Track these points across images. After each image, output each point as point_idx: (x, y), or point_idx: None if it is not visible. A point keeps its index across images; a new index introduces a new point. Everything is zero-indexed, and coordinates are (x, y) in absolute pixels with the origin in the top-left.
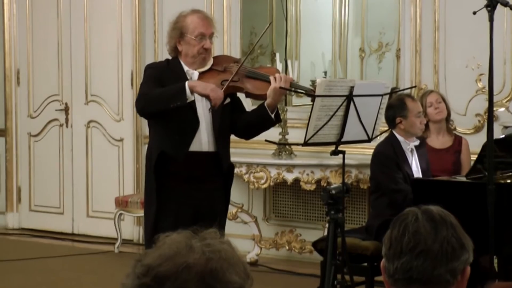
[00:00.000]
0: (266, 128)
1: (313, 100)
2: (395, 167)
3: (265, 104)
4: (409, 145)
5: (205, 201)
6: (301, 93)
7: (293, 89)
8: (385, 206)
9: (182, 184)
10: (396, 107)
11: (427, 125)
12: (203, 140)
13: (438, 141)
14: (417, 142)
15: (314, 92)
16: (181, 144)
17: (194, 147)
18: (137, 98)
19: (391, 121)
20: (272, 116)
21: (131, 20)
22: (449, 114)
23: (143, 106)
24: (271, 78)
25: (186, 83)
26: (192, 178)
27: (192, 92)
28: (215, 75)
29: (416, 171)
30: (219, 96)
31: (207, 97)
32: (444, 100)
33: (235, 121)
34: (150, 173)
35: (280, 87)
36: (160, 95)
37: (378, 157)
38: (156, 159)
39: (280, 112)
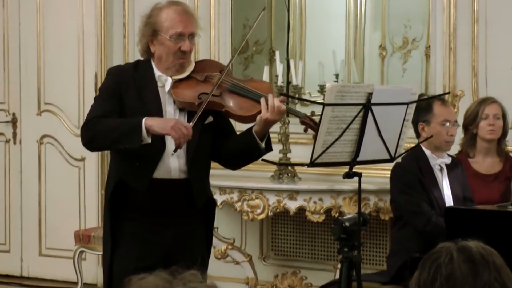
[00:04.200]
0: (254, 158)
1: (306, 130)
2: (417, 186)
3: (253, 130)
4: (436, 160)
5: (176, 240)
6: (306, 100)
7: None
8: (408, 239)
9: (146, 218)
10: (421, 109)
11: (474, 141)
12: (172, 166)
13: (485, 163)
14: (448, 160)
15: (312, 120)
16: (143, 170)
17: (160, 173)
18: (84, 123)
19: (416, 128)
20: (262, 144)
21: (95, 10)
22: (504, 135)
23: (90, 140)
24: (262, 103)
25: (143, 120)
26: (158, 212)
27: (148, 132)
28: (192, 85)
29: (448, 195)
30: (184, 133)
31: (169, 136)
32: (504, 116)
33: (217, 147)
34: (106, 206)
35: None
36: (110, 132)
37: (397, 172)
38: (113, 190)
39: (280, 124)
